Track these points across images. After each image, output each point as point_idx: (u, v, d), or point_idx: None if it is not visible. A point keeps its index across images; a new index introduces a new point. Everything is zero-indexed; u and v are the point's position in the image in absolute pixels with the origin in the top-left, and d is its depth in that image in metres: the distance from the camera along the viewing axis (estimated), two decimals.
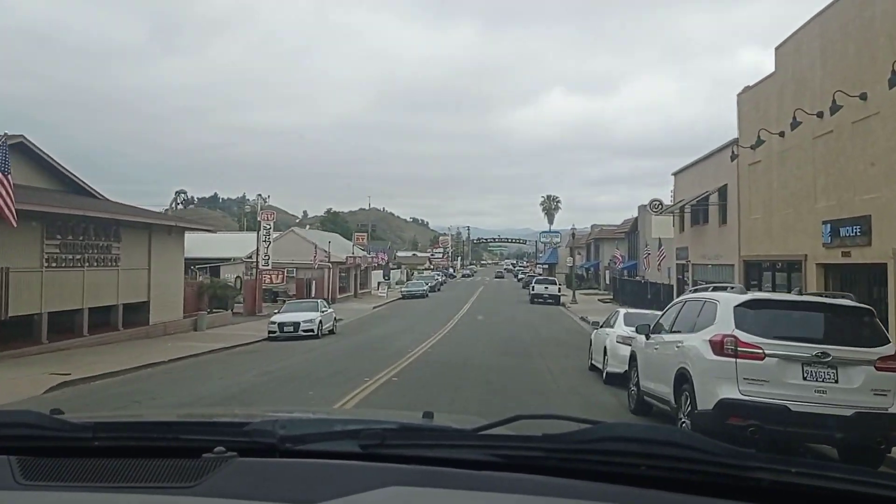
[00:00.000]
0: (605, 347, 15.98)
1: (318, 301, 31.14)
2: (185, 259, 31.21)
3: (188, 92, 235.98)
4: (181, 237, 29.59)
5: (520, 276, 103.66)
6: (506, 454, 1.60)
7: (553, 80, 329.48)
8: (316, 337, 26.98)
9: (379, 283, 65.10)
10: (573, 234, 77.93)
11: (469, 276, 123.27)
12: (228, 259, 48.79)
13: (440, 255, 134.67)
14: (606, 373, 15.54)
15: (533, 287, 51.50)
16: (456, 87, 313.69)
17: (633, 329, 13.02)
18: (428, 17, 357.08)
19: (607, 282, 64.88)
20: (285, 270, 48.44)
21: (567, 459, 1.55)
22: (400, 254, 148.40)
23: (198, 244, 40.96)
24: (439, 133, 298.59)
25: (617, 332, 15.71)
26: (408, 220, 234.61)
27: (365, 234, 63.33)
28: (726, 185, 25.93)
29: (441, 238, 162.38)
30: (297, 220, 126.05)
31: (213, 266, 46.48)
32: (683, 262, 31.64)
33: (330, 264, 48.21)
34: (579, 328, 31.67)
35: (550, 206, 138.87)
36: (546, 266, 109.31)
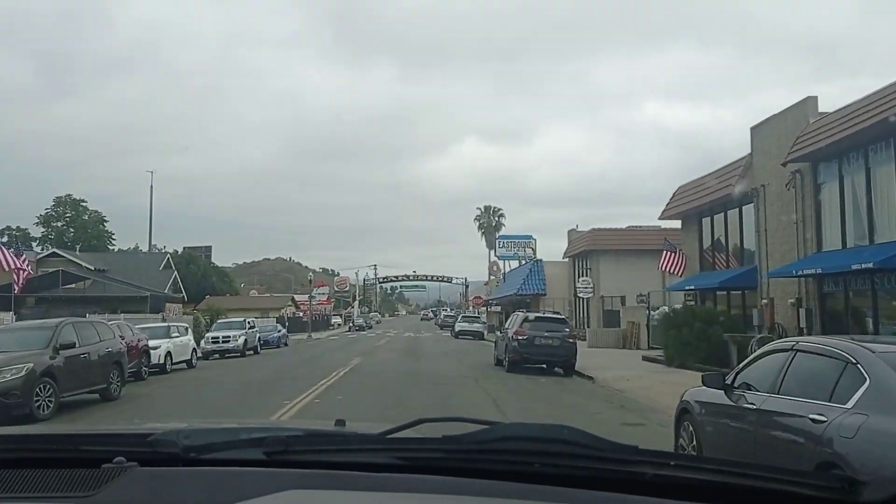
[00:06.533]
0: None
1: None
2: None
3: (80, 138, 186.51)
4: None
5: (456, 326, 51.29)
6: (407, 456, 1.58)
7: (468, 129, 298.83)
8: None
9: None
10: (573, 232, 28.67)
11: (362, 328, 71.36)
12: None
13: (320, 297, 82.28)
14: None
15: None
16: (369, 135, 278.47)
17: None
18: (342, 61, 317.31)
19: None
20: None
21: (466, 459, 1.55)
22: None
23: None
24: (351, 182, 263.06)
25: None
26: (317, 270, 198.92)
27: None
28: None
29: (337, 278, 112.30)
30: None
31: None
32: None
33: None
34: None
35: (490, 223, 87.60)
36: (497, 306, 58.76)
